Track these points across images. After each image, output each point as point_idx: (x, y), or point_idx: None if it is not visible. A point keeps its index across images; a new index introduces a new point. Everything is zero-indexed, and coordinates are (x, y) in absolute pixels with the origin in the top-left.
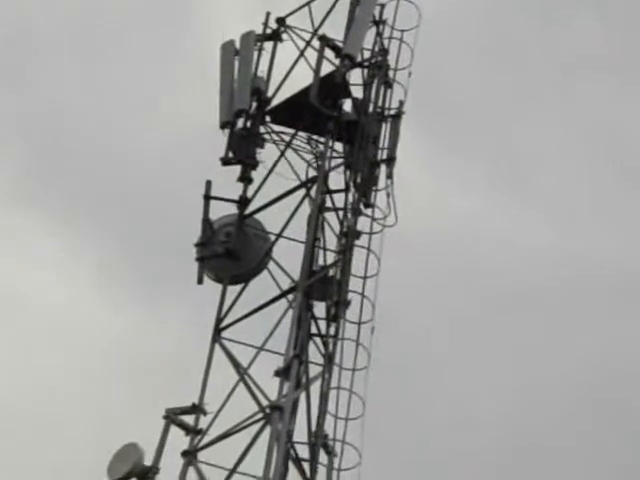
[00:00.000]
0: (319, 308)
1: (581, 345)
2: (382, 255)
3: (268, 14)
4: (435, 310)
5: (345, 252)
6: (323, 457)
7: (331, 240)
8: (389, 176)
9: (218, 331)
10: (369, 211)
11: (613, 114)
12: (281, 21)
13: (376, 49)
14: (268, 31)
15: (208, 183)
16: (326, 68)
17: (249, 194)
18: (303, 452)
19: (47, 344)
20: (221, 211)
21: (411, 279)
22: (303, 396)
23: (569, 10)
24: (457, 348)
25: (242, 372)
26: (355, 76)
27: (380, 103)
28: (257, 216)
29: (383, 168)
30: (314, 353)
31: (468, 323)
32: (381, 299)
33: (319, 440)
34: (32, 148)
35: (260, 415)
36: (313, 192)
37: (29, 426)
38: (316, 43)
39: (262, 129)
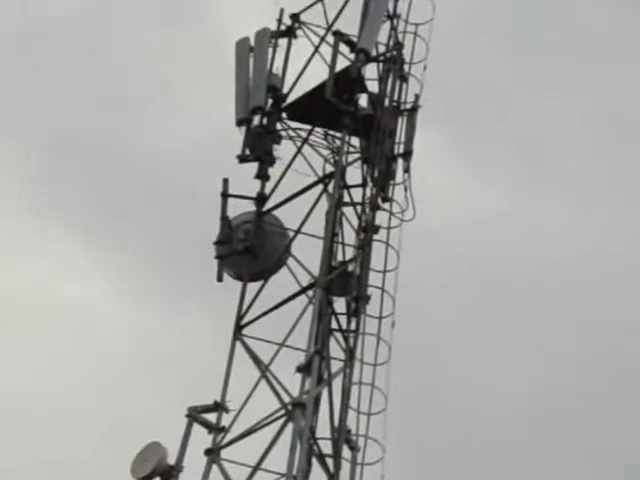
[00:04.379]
0: (339, 303)
1: (598, 336)
2: (401, 249)
3: (282, 10)
4: (454, 304)
5: (364, 247)
6: (346, 452)
7: (350, 235)
8: (406, 170)
9: (239, 328)
10: (387, 205)
11: (633, 98)
12: (295, 17)
13: (391, 43)
14: (282, 27)
15: (225, 181)
16: (341, 63)
17: (267, 191)
18: (326, 448)
19: (67, 345)
20: (239, 209)
21: (430, 273)
22: (325, 392)
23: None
24: (477, 342)
25: (263, 369)
26: (370, 71)
27: (396, 97)
28: (275, 213)
29: (400, 162)
30: (335, 348)
31: (488, 317)
32: (401, 293)
33: (342, 435)
34: (50, 152)
35: (282, 412)
36: (331, 187)
37: (49, 423)
38: (330, 38)
39: (278, 126)
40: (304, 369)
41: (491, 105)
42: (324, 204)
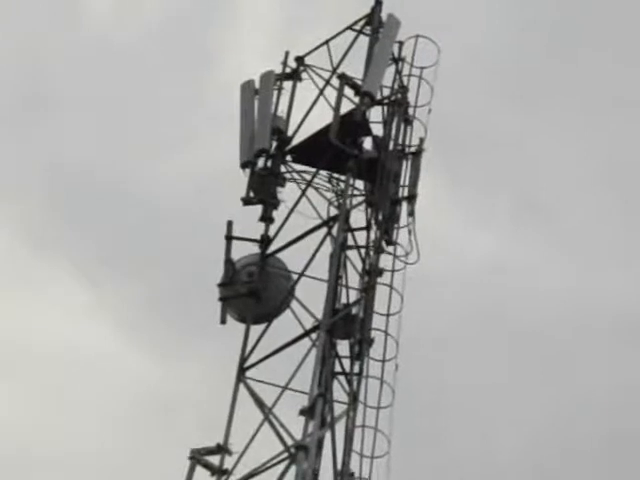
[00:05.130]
0: (343, 346)
1: (602, 388)
2: (405, 292)
3: (287, 53)
4: (458, 347)
5: (368, 290)
6: None
7: (353, 278)
8: (410, 213)
9: (242, 371)
10: (391, 249)
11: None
12: (300, 60)
13: (395, 86)
14: (287, 70)
15: (229, 223)
16: (346, 106)
17: (271, 233)
18: None
19: (70, 388)
20: (243, 251)
21: (434, 316)
22: (328, 435)
23: (589, 46)
24: (480, 385)
25: (267, 411)
26: (375, 114)
27: (400, 140)
28: (279, 255)
29: (404, 205)
30: (338, 391)
31: (491, 360)
32: (404, 337)
33: (345, 479)
34: (54, 196)
35: (285, 454)
36: (335, 230)
37: (52, 468)
38: (335, 81)
39: (283, 168)
40: (307, 412)
41: (495, 150)
42: (328, 247)
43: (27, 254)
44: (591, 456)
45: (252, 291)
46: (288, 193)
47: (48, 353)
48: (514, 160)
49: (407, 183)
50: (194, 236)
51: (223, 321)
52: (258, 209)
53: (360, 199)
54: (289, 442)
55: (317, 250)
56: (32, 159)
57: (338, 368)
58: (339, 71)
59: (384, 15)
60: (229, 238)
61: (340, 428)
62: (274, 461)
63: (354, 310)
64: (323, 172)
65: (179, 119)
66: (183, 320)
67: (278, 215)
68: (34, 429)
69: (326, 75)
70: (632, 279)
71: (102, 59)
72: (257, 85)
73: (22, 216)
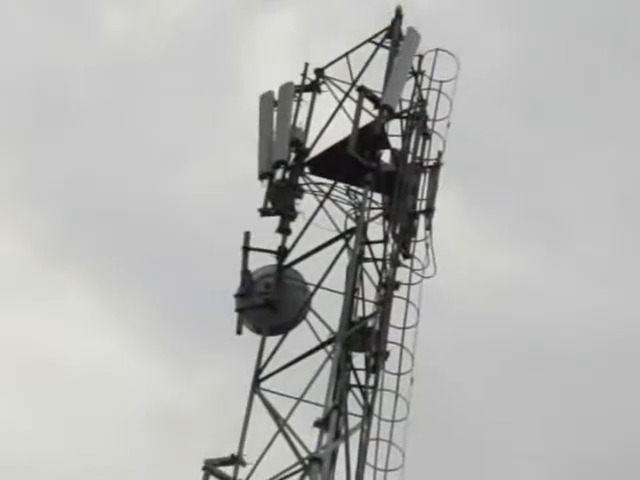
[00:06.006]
0: (358, 359)
1: (605, 410)
2: (421, 306)
3: (307, 65)
4: (473, 361)
5: (384, 303)
6: None
7: (370, 291)
8: (428, 227)
9: (257, 382)
10: (408, 262)
11: None
12: (320, 72)
13: (414, 100)
14: (307, 82)
15: (247, 234)
16: (365, 119)
17: (288, 245)
18: None
19: (85, 399)
20: (260, 262)
21: (450, 330)
22: (342, 447)
23: (611, 62)
24: (495, 399)
25: (281, 423)
26: (394, 127)
27: (419, 154)
28: (296, 267)
29: (422, 219)
30: (353, 404)
31: (505, 373)
32: (420, 350)
33: None
34: (67, 206)
35: (299, 466)
36: (352, 243)
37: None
38: (355, 94)
39: (301, 180)
40: (322, 424)
41: (515, 165)
42: (345, 259)
43: (35, 262)
44: (606, 473)
45: (268, 302)
46: (306, 205)
47: (59, 366)
48: (533, 176)
49: (425, 197)
50: (211, 246)
51: (239, 332)
52: (275, 220)
53: (378, 212)
54: (303, 454)
55: (334, 262)
56: (40, 167)
57: (353, 381)
58: (358, 84)
59: (404, 28)
60: (246, 249)
61: (354, 441)
62: (288, 473)
63: (370, 323)
64: (341, 184)
65: (194, 129)
66: (198, 331)
67: (295, 227)
68: (43, 442)
69: (345, 87)
70: None
71: (116, 70)
72: (276, 96)
73: (31, 224)
